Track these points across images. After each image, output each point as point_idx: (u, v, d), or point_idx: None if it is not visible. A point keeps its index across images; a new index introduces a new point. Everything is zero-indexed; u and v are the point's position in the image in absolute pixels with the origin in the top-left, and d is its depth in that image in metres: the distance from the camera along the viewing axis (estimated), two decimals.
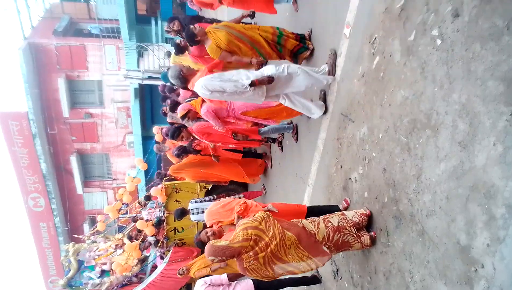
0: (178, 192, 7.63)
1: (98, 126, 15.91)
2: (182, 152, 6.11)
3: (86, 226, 16.90)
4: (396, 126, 2.91)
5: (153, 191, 7.50)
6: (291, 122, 5.58)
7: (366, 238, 3.21)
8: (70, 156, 15.85)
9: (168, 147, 7.48)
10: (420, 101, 2.62)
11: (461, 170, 2.23)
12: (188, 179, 6.79)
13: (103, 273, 8.77)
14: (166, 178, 7.54)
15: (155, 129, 8.79)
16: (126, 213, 9.02)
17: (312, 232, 3.08)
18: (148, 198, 8.19)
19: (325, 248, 3.07)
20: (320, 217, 3.31)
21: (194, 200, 6.55)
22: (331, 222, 3.20)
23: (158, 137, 8.53)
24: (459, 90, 2.26)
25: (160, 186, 7.54)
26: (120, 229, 9.45)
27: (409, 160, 2.74)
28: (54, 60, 14.50)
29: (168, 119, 7.23)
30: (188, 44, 4.60)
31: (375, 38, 3.25)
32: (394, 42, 2.95)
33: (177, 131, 5.75)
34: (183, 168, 6.56)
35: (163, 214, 7.74)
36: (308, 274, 4.75)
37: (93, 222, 16.96)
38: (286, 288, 4.77)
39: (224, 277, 4.16)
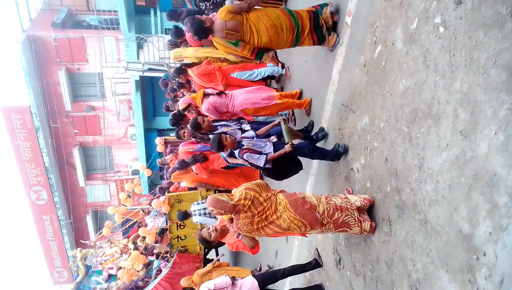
0: (181, 203, 7.92)
1: (100, 119, 15.90)
2: (183, 166, 6.38)
3: (89, 219, 17.01)
4: (398, 116, 2.90)
5: (154, 203, 7.67)
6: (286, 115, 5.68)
7: (366, 224, 3.24)
8: (72, 149, 15.88)
9: (170, 159, 7.71)
10: (421, 91, 2.61)
11: (463, 159, 2.23)
12: (187, 184, 7.02)
13: (110, 277, 8.96)
14: (168, 190, 7.86)
15: (158, 140, 8.97)
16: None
17: (313, 204, 3.20)
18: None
19: (318, 216, 3.15)
20: (323, 194, 3.42)
21: (196, 202, 6.74)
22: (333, 201, 3.29)
23: (160, 148, 8.70)
24: (461, 79, 2.24)
25: (162, 198, 7.73)
26: (124, 233, 9.57)
27: (410, 149, 2.74)
28: (54, 52, 14.43)
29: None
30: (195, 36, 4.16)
31: (377, 27, 3.22)
32: (396, 30, 2.92)
33: (176, 122, 5.91)
34: (183, 173, 6.86)
35: (166, 224, 7.92)
36: (310, 258, 4.77)
37: (95, 214, 17.07)
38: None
39: (227, 279, 4.17)
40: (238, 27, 3.71)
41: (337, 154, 3.96)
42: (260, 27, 3.74)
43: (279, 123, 4.08)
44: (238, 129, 4.50)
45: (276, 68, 5.94)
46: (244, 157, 3.93)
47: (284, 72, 5.94)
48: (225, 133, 4.21)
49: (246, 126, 4.55)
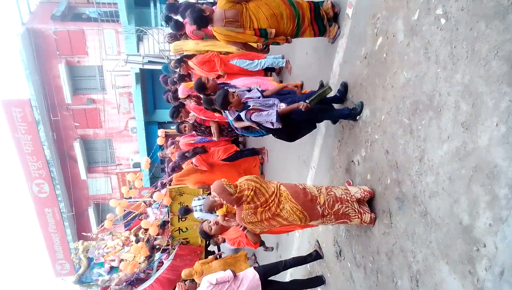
0: (182, 195, 7.93)
1: (101, 112, 15.88)
2: (183, 159, 6.51)
3: (90, 211, 17.09)
4: (399, 108, 2.89)
5: (155, 196, 7.69)
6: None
7: (367, 216, 3.25)
8: (73, 142, 15.89)
9: (171, 153, 7.70)
10: (422, 83, 2.60)
11: (464, 151, 2.23)
12: (190, 186, 7.08)
13: (112, 269, 9.02)
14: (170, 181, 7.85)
15: (160, 132, 8.97)
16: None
17: (314, 195, 3.20)
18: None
19: (319, 208, 3.15)
20: (323, 185, 3.40)
21: (197, 197, 6.75)
22: (333, 192, 3.29)
23: (160, 141, 8.67)
24: (462, 70, 2.23)
25: (163, 190, 7.75)
26: (126, 226, 9.62)
27: (411, 141, 2.74)
28: (53, 45, 14.38)
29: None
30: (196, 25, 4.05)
31: (378, 18, 3.20)
32: (397, 22, 2.90)
33: (176, 112, 5.94)
34: (185, 175, 6.97)
35: (168, 216, 7.96)
36: (310, 250, 4.80)
37: (97, 207, 17.14)
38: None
39: (228, 273, 4.17)
40: (237, 16, 3.68)
41: (354, 113, 3.60)
42: (260, 16, 3.68)
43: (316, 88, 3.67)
44: (246, 90, 4.11)
45: (277, 60, 5.92)
46: (252, 117, 3.62)
47: (284, 64, 5.92)
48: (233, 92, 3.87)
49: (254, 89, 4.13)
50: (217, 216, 4.83)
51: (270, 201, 3.14)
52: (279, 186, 3.26)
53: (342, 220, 3.25)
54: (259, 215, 3.12)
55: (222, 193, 3.06)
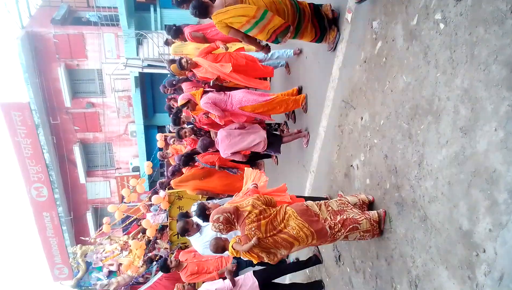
0: (181, 199, 7.88)
1: (100, 115, 15.90)
2: (183, 163, 6.45)
3: (89, 216, 17.04)
4: (398, 113, 2.89)
5: (154, 199, 7.64)
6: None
7: (373, 213, 3.15)
8: (73, 146, 15.88)
9: (171, 154, 7.63)
10: (422, 87, 2.60)
11: (463, 155, 2.23)
12: (188, 192, 7.06)
13: (111, 273, 9.03)
14: (169, 186, 7.81)
15: (159, 136, 8.96)
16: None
17: (316, 213, 3.17)
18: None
19: (324, 223, 3.11)
20: (322, 201, 3.38)
21: (197, 202, 6.72)
22: (331, 207, 3.26)
23: (160, 144, 8.65)
24: (462, 75, 2.24)
25: (162, 193, 7.69)
26: (125, 230, 9.60)
27: (410, 146, 2.73)
28: (53, 49, 14.40)
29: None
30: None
31: (377, 23, 3.21)
32: (396, 26, 2.91)
33: (177, 118, 5.93)
34: (184, 180, 6.88)
35: (166, 220, 7.92)
36: (310, 253, 4.78)
37: (96, 211, 17.09)
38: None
39: (227, 282, 4.16)
40: (237, 3, 3.67)
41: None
42: (260, 4, 3.62)
43: None
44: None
45: (284, 51, 5.80)
46: None
47: (289, 57, 5.79)
48: None
49: None
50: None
51: (272, 216, 3.12)
52: (285, 206, 3.23)
53: (351, 226, 3.11)
54: (264, 229, 3.04)
55: (219, 209, 3.11)
